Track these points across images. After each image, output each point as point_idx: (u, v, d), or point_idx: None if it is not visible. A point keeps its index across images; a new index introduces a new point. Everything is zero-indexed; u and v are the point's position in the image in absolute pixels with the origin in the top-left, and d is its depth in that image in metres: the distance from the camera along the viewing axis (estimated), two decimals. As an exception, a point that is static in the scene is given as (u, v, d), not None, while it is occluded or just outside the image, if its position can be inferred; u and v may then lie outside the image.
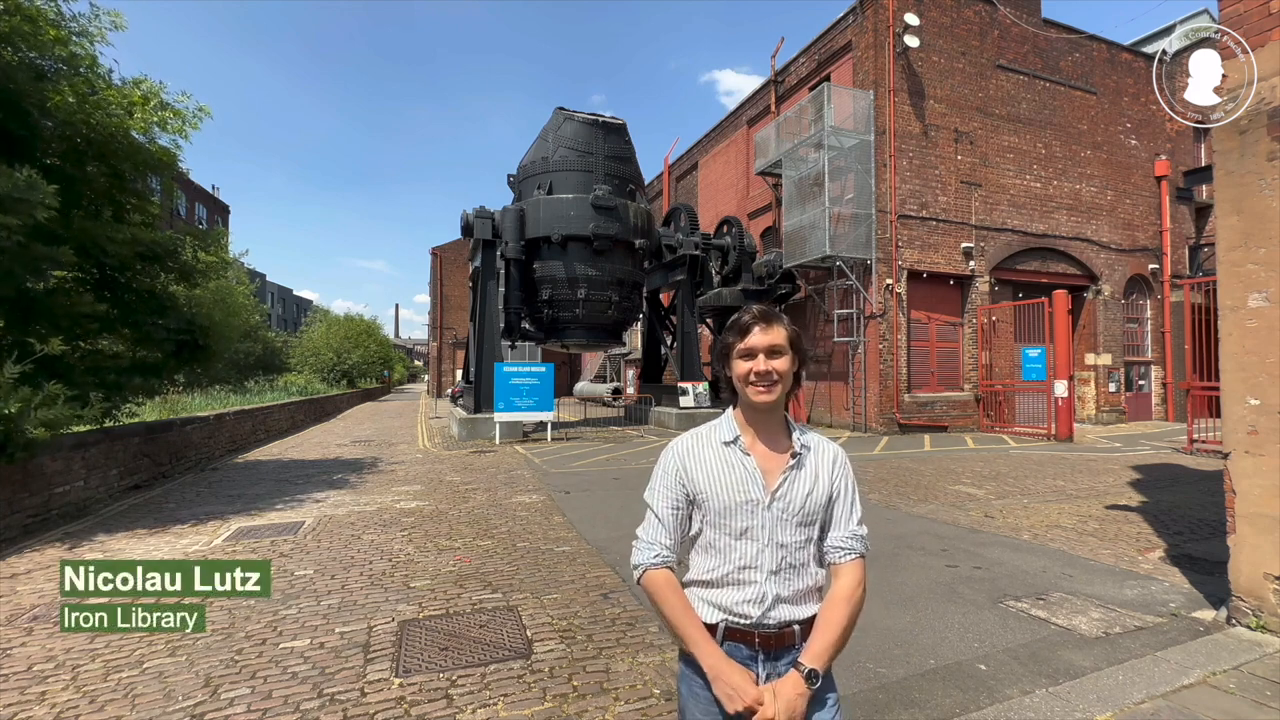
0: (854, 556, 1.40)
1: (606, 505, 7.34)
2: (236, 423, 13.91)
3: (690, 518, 1.42)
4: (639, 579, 1.39)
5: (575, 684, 3.06)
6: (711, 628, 1.36)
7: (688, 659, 1.38)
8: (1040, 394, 14.26)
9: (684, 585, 1.43)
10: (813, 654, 1.32)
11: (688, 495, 1.41)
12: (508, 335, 16.97)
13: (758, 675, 1.33)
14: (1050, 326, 13.84)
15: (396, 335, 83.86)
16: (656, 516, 1.42)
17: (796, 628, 1.36)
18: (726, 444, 1.42)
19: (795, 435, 1.44)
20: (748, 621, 1.34)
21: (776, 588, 1.35)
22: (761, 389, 1.37)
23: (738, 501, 1.37)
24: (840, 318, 15.64)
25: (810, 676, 1.29)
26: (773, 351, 1.37)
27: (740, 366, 1.40)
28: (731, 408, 1.49)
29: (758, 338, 1.38)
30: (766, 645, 1.34)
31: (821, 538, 1.43)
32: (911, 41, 14.86)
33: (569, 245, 15.92)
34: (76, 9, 7.20)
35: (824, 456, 1.44)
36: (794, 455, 1.41)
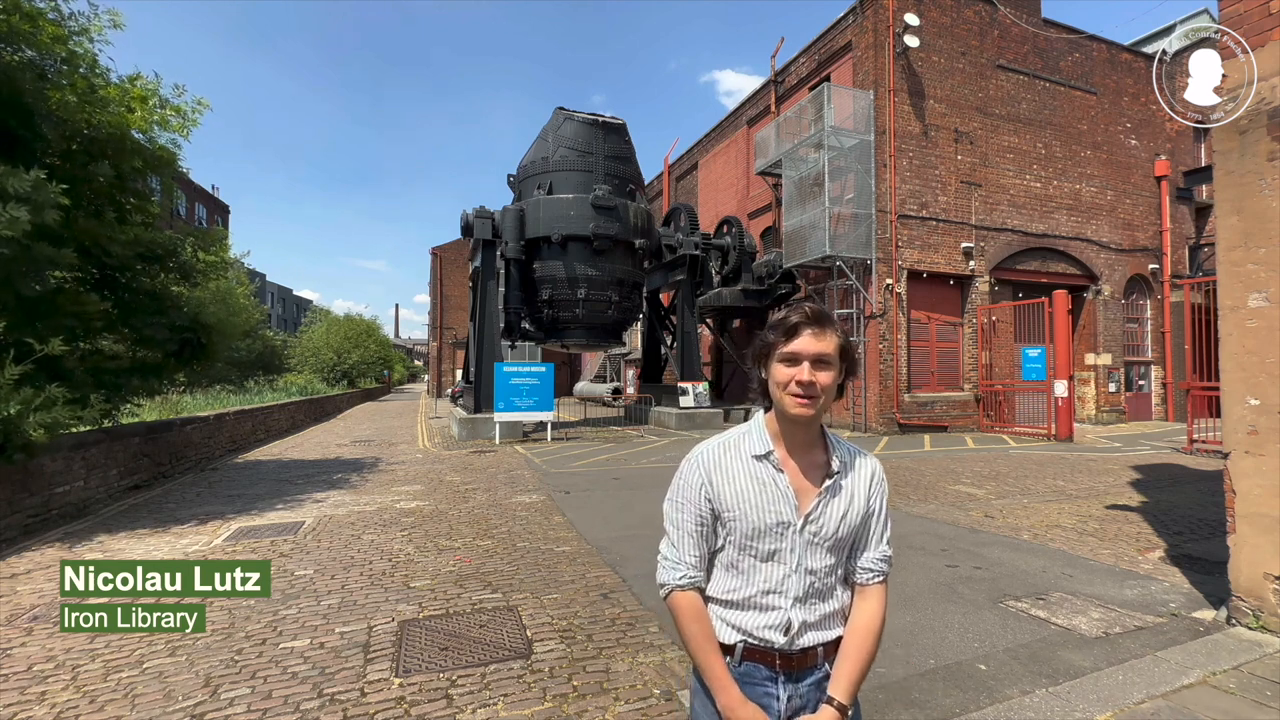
0: (881, 580, 1.33)
1: (606, 505, 7.34)
2: (236, 423, 13.91)
3: (715, 532, 1.31)
4: (664, 598, 1.31)
5: (575, 684, 3.06)
6: (729, 648, 1.28)
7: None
8: (1040, 394, 14.26)
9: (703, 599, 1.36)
10: (845, 688, 1.25)
11: (713, 510, 1.29)
12: (508, 335, 16.99)
13: (778, 696, 1.27)
14: (1050, 326, 13.84)
15: (396, 335, 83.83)
16: (681, 530, 1.30)
17: (820, 649, 1.29)
18: (758, 458, 1.28)
19: (833, 453, 1.31)
20: (770, 646, 1.26)
21: (803, 615, 1.27)
22: (802, 401, 1.21)
23: (768, 523, 1.25)
24: (840, 318, 15.60)
25: (846, 713, 1.25)
26: (820, 362, 1.21)
27: (781, 372, 1.23)
28: (762, 412, 1.35)
29: (807, 342, 1.21)
30: (788, 666, 1.27)
31: (851, 558, 1.34)
32: (911, 41, 14.87)
33: (569, 245, 15.93)
34: (76, 8, 7.17)
35: (861, 475, 1.33)
36: (830, 476, 1.29)
